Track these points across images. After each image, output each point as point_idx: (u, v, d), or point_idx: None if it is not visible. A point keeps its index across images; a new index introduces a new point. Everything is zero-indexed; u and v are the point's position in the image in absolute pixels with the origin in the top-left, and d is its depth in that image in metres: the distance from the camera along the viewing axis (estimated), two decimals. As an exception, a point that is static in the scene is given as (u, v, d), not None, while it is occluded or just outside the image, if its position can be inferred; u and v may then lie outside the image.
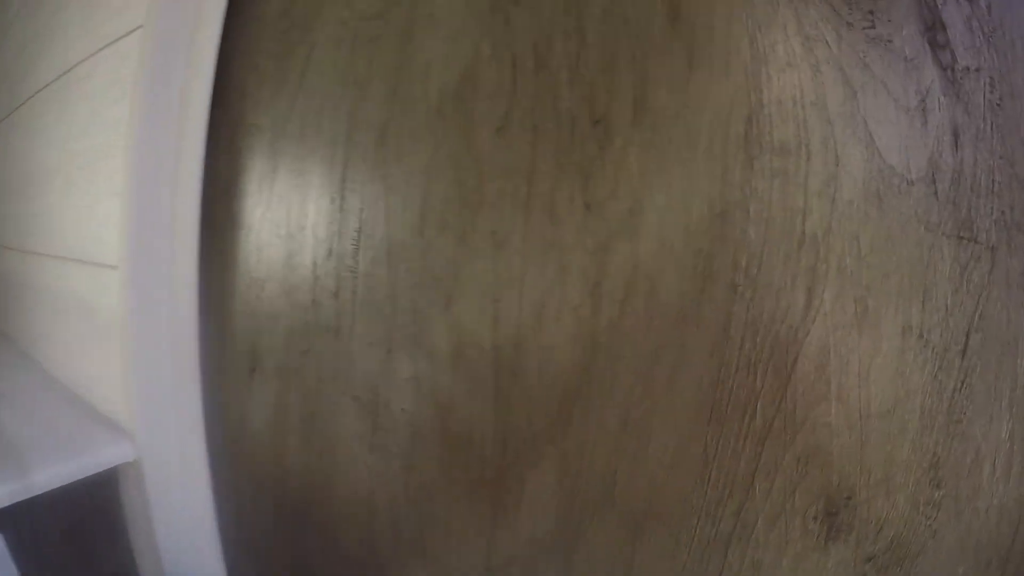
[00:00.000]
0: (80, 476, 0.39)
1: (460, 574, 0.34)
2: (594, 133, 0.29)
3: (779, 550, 0.30)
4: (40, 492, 0.37)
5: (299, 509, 0.40)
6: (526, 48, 0.29)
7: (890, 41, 0.26)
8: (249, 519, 0.45)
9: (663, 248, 0.28)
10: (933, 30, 0.26)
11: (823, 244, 0.27)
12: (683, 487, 0.30)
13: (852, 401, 0.28)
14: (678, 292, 0.28)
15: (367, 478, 0.36)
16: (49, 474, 0.37)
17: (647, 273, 0.28)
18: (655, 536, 0.31)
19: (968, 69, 0.26)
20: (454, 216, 0.32)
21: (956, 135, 0.28)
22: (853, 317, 0.28)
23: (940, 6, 0.26)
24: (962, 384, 0.28)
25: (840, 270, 0.28)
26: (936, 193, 0.28)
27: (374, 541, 0.37)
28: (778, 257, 0.28)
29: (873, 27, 0.26)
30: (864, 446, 0.29)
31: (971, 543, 0.30)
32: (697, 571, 0.31)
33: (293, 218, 0.37)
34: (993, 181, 0.27)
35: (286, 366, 0.39)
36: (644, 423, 0.29)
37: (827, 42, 0.26)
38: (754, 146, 0.27)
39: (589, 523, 0.31)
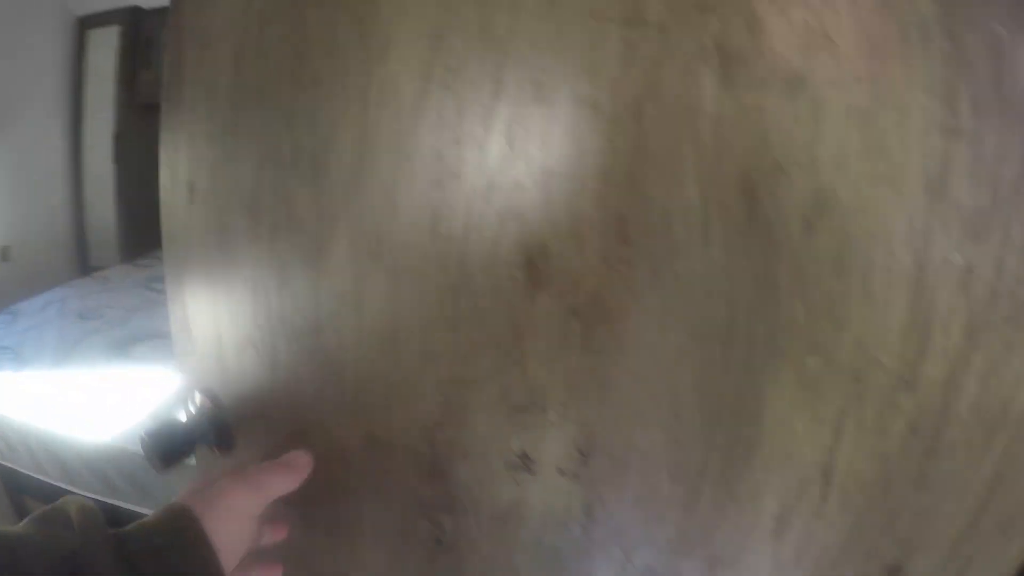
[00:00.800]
0: None
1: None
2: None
3: (495, 297, 0.38)
4: None
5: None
6: None
7: None
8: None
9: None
10: None
11: (507, 43, 0.35)
12: (421, 242, 0.39)
13: (535, 161, 0.35)
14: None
15: (252, 264, 0.50)
16: None
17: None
18: (409, 284, 0.40)
19: None
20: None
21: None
22: (532, 96, 0.35)
23: None
24: (638, 148, 0.34)
25: (519, 61, 0.35)
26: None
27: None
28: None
29: None
30: (549, 202, 0.36)
31: (680, 312, 0.34)
32: (438, 317, 0.40)
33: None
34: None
35: (209, 192, 0.53)
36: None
37: None
38: None
39: (368, 276, 0.42)
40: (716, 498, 0.37)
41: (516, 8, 0.34)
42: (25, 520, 0.38)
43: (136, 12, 3.29)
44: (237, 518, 0.44)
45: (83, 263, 3.62)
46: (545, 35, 0.34)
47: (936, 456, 0.33)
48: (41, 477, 1.65)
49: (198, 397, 0.64)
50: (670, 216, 0.33)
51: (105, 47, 3.32)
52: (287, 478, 0.49)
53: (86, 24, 3.37)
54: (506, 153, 0.36)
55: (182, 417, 0.65)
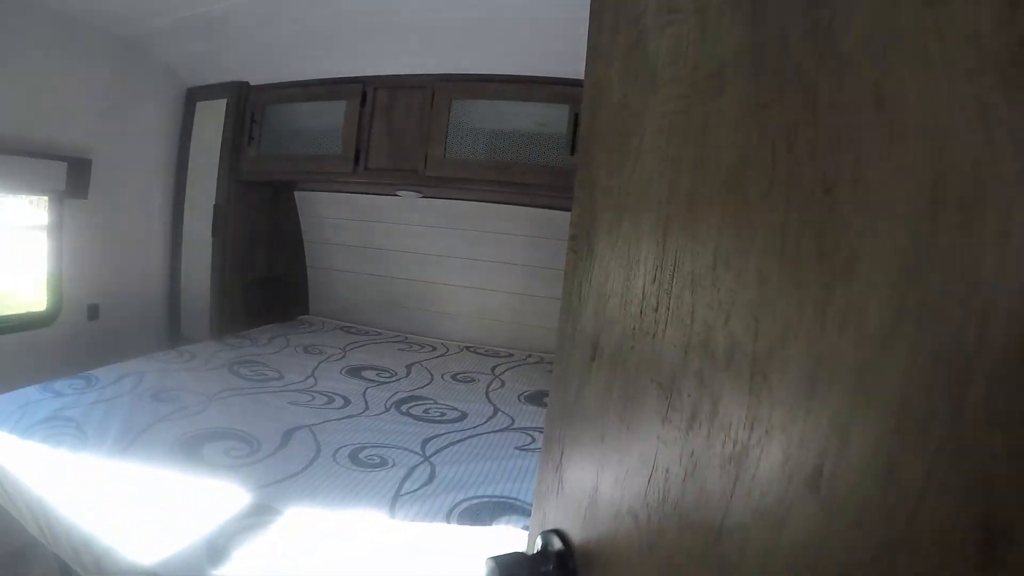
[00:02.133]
0: None
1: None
2: (825, 199, 0.46)
3: (939, 566, 0.40)
4: None
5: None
6: (780, 137, 0.49)
7: None
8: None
9: (870, 287, 0.43)
10: None
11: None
12: (866, 486, 0.43)
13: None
14: (880, 319, 0.42)
15: (655, 444, 0.59)
16: None
17: (857, 307, 0.44)
18: (843, 521, 0.45)
19: None
20: (735, 259, 0.53)
21: None
22: None
23: None
24: None
25: None
26: None
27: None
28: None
29: None
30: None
31: None
32: (869, 564, 0.43)
33: (631, 254, 0.64)
34: None
35: (616, 357, 0.64)
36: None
37: None
38: (939, 204, 0.39)
39: (798, 501, 0.47)
40: None
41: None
42: None
43: (243, 87, 3.68)
44: None
45: (173, 331, 3.94)
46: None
47: None
48: (79, 570, 1.65)
49: (549, 536, 0.76)
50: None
51: (212, 119, 3.74)
52: None
53: (196, 96, 3.83)
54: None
55: (528, 550, 0.78)
